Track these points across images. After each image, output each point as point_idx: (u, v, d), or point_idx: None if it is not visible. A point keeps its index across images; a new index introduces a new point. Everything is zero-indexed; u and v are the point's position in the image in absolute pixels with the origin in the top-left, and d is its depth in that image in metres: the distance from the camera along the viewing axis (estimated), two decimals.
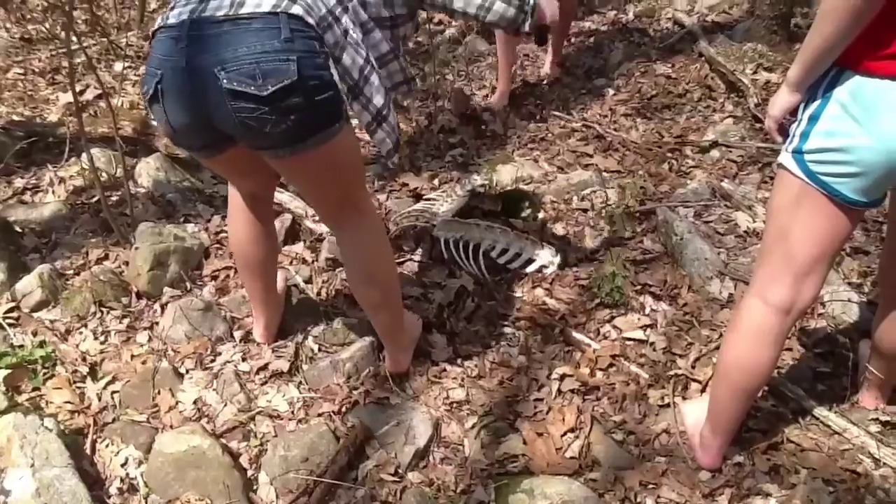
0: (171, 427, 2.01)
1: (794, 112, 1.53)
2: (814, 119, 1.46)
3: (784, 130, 1.55)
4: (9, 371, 2.11)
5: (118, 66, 4.10)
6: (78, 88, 3.33)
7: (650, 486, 1.86)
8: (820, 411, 2.01)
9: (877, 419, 1.99)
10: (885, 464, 1.86)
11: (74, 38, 3.11)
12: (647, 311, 2.42)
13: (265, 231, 2.07)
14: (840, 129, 1.42)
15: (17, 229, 2.70)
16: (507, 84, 3.88)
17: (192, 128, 1.63)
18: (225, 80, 1.46)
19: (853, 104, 1.39)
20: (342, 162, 1.71)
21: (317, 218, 2.74)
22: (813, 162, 1.47)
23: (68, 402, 2.07)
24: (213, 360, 2.21)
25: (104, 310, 2.37)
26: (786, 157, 1.53)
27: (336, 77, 1.56)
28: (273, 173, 1.95)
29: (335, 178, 1.73)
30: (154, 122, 1.75)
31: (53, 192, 2.98)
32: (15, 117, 3.45)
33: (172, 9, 1.58)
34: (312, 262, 2.63)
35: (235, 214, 2.04)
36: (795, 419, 2.01)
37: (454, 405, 2.10)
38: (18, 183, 3.03)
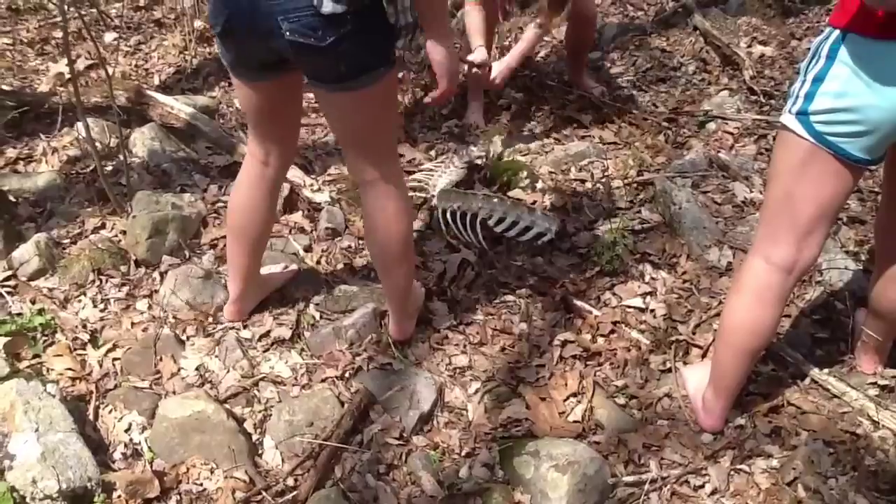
0: (174, 393, 2.01)
1: None
2: (818, 80, 1.47)
3: None
4: (8, 338, 2.09)
5: (108, 37, 4.04)
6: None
7: (653, 448, 1.89)
8: (819, 375, 2.04)
9: (875, 383, 2.02)
10: (883, 426, 1.89)
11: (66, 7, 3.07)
12: (647, 279, 2.43)
13: (267, 203, 2.06)
14: (847, 90, 1.43)
15: (11, 198, 2.67)
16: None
17: (254, 57, 1.73)
18: (287, 32, 1.55)
19: (859, 64, 1.40)
20: (381, 105, 1.78)
21: (315, 187, 2.73)
22: (820, 123, 1.48)
23: (69, 369, 2.06)
24: (214, 328, 2.21)
25: (103, 278, 2.36)
26: (789, 119, 1.53)
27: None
28: (295, 133, 2.05)
29: (372, 121, 1.79)
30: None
31: (47, 161, 2.94)
32: (4, 87, 3.40)
33: None
34: (311, 231, 2.62)
35: (244, 179, 2.03)
36: (795, 383, 2.04)
37: (457, 371, 2.11)
38: (10, 153, 2.99)
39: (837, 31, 1.43)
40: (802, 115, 1.50)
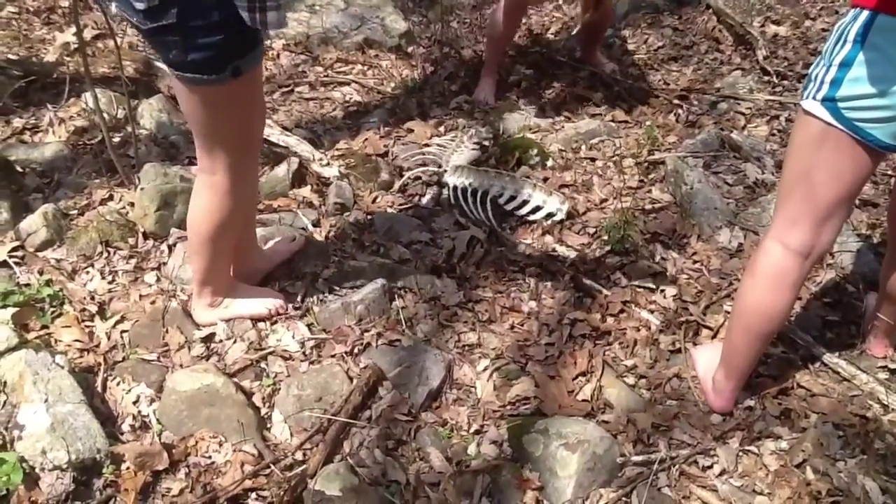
0: (182, 366, 2.00)
1: None
2: (846, 65, 1.42)
3: None
4: (16, 309, 2.08)
5: (115, 7, 4.00)
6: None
7: (662, 428, 1.88)
8: (829, 358, 2.03)
9: (885, 367, 2.02)
10: (893, 409, 1.89)
11: None
12: (657, 259, 2.42)
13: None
14: (878, 75, 1.38)
15: (18, 169, 2.65)
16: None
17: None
18: (113, 5, 1.56)
19: (890, 48, 1.36)
20: (212, 115, 1.72)
21: (324, 162, 2.71)
22: (848, 108, 1.44)
23: (77, 341, 2.05)
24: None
25: (111, 250, 2.35)
26: (813, 105, 1.49)
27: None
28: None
29: (204, 123, 1.75)
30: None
31: (53, 132, 2.92)
32: (10, 56, 3.37)
33: None
34: (320, 205, 2.60)
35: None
36: (805, 365, 2.04)
37: (466, 348, 2.11)
38: (17, 123, 2.96)
39: (865, 13, 1.38)
40: (829, 101, 1.46)
